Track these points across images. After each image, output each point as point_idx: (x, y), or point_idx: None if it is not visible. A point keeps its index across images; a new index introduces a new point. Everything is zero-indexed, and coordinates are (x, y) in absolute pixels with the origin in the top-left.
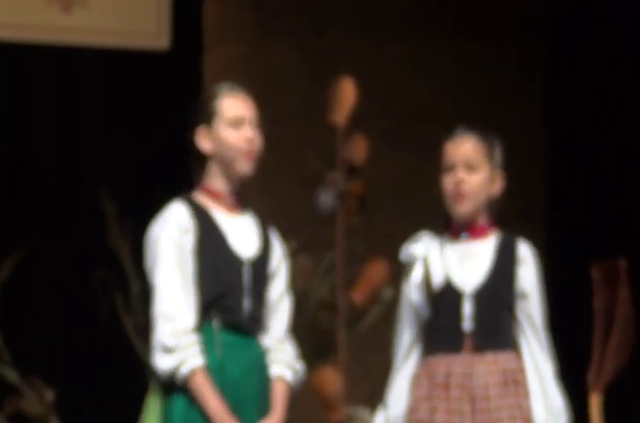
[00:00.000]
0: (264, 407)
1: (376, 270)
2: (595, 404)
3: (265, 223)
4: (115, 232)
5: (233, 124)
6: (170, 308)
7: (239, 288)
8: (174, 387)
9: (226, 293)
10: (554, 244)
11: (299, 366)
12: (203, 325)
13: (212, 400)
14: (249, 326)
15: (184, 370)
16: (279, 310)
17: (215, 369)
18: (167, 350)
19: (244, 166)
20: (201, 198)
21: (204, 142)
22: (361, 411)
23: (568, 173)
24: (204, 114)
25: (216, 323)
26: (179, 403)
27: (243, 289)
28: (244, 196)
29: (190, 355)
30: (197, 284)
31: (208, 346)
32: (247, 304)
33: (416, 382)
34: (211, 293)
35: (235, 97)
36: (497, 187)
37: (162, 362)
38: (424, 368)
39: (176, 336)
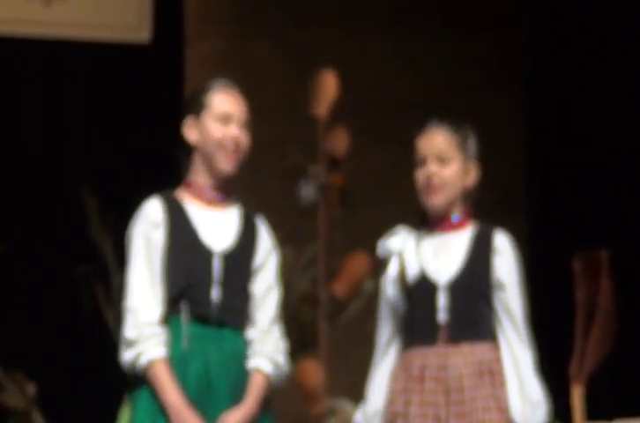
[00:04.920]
0: (240, 400)
1: (358, 263)
2: (577, 395)
3: (254, 216)
4: (96, 226)
5: (220, 119)
6: (136, 302)
7: (207, 280)
8: (140, 380)
9: (194, 286)
10: (535, 236)
11: (281, 359)
12: (171, 318)
13: (169, 392)
14: (220, 318)
15: (142, 361)
16: (266, 303)
17: (177, 362)
18: (129, 343)
19: (226, 165)
20: (180, 193)
21: (190, 132)
22: (343, 404)
23: (549, 164)
24: (194, 105)
25: (184, 316)
26: (143, 395)
27: (212, 281)
28: (229, 190)
29: (149, 347)
30: (166, 277)
31: (175, 339)
32: (216, 296)
33: (394, 375)
34: (178, 285)
35: (228, 94)
36: (472, 178)
37: (124, 355)
38: (402, 362)
39: (138, 329)
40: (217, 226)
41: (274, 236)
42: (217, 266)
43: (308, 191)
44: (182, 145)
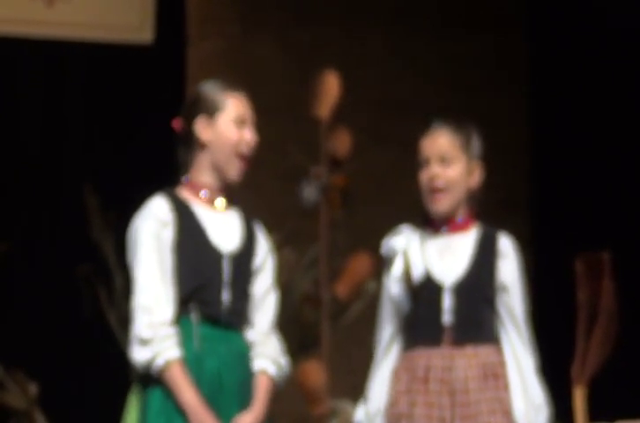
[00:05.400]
0: (245, 401)
1: (360, 264)
2: (579, 396)
3: (251, 219)
4: (98, 226)
5: (237, 123)
6: (148, 301)
7: (218, 281)
8: (152, 379)
9: (205, 287)
10: (538, 237)
11: (283, 360)
12: (181, 318)
13: (186, 392)
14: (228, 319)
15: (159, 362)
16: (265, 305)
17: (192, 362)
18: (144, 342)
19: (235, 170)
20: (184, 192)
21: (204, 131)
22: (345, 405)
23: (552, 166)
24: (206, 106)
25: (194, 316)
26: (156, 395)
27: (222, 282)
28: (231, 192)
29: (166, 347)
30: (176, 277)
31: (186, 339)
32: (226, 297)
33: (396, 375)
34: (189, 286)
35: (239, 98)
36: (476, 178)
37: (138, 354)
38: (404, 362)
39: (153, 328)
40: (222, 227)
41: (273, 238)
42: (226, 268)
43: (310, 192)
44: (185, 143)
